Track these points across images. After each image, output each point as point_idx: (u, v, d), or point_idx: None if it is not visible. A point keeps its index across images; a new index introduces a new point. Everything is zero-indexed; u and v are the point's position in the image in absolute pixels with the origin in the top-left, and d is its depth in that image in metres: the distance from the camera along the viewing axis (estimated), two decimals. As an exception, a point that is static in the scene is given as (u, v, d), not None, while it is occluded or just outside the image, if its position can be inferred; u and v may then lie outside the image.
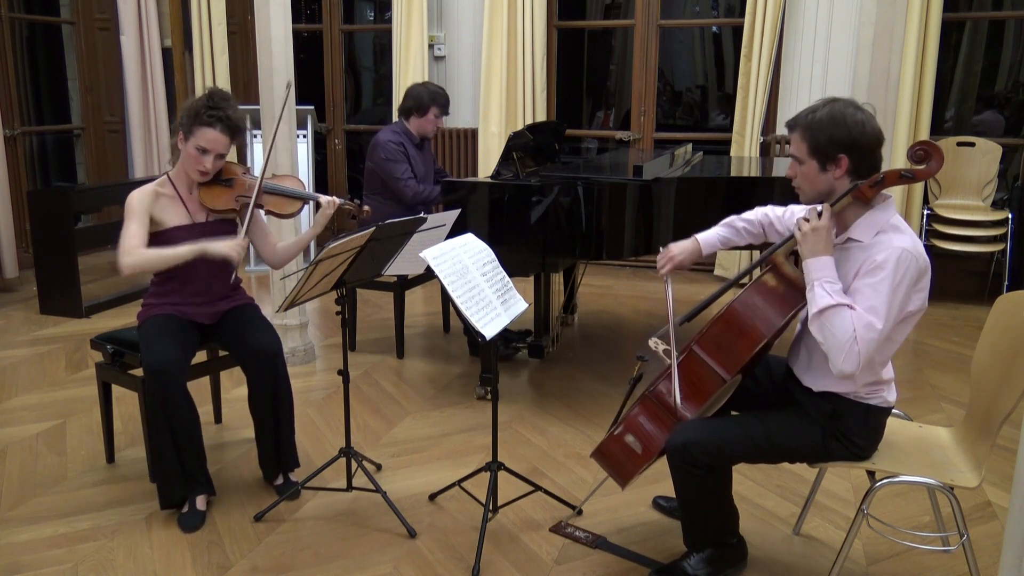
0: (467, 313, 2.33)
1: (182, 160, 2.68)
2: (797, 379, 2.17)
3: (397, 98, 6.00)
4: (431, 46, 6.25)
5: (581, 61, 8.97)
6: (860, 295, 1.92)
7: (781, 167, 4.15)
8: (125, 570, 2.38)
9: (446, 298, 4.55)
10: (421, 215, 2.61)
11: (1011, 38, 7.53)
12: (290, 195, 2.80)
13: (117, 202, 2.76)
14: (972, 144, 5.26)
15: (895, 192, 4.70)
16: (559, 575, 2.37)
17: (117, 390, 2.98)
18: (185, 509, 2.64)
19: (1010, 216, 5.04)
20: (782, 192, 3.45)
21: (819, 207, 2.02)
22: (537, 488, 2.72)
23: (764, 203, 2.43)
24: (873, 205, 2.00)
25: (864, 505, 2.08)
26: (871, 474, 2.14)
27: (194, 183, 2.72)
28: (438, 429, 3.36)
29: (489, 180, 3.51)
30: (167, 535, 2.56)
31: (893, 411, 2.17)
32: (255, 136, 5.87)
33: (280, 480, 2.83)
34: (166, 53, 6.39)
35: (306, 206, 2.85)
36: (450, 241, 2.49)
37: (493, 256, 2.58)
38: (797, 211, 2.30)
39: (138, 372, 2.69)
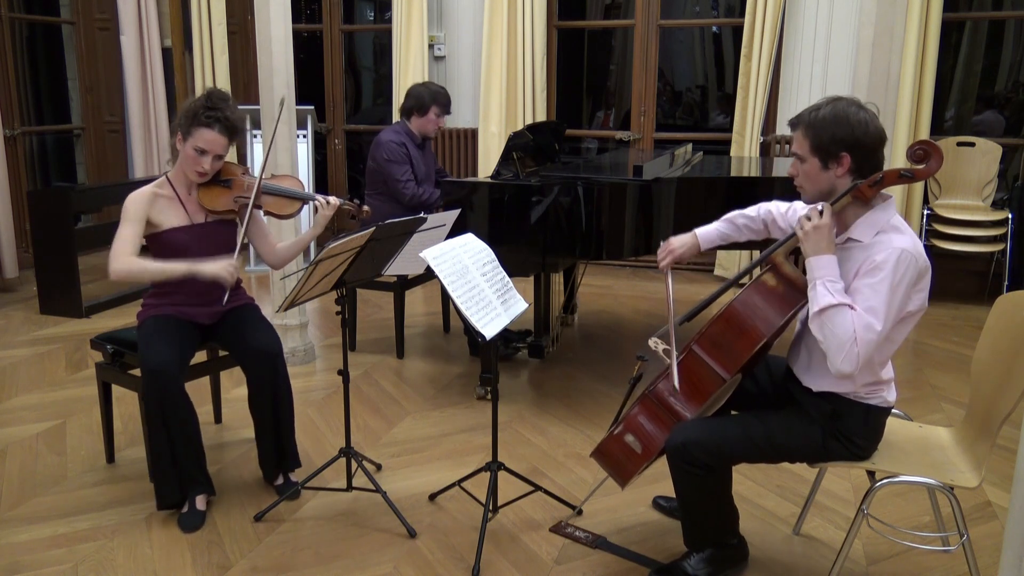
0: (467, 313, 2.33)
1: (181, 161, 2.67)
2: (797, 379, 2.16)
3: (397, 98, 6.00)
4: (431, 46, 6.25)
5: (581, 61, 8.97)
6: (859, 295, 1.92)
7: (781, 167, 4.15)
8: (125, 570, 2.38)
9: (446, 298, 4.55)
10: (421, 215, 2.61)
11: (1011, 38, 7.53)
12: (289, 196, 2.80)
13: (117, 202, 2.75)
14: (972, 144, 5.26)
15: (895, 192, 4.70)
16: (559, 575, 2.37)
17: (117, 390, 2.98)
18: (185, 509, 2.63)
19: (1010, 216, 5.04)
20: (782, 192, 3.45)
21: (820, 205, 2.02)
22: (537, 488, 2.72)
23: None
24: (873, 205, 2.00)
25: (864, 505, 2.08)
26: (871, 474, 2.14)
27: (193, 184, 2.71)
28: (438, 429, 3.36)
29: (489, 180, 3.51)
30: (167, 535, 2.56)
31: (893, 411, 2.17)
32: (255, 136, 5.87)
33: (280, 480, 2.83)
34: (166, 53, 6.39)
35: (306, 206, 2.85)
36: (450, 241, 2.49)
37: (493, 256, 2.58)
38: (800, 208, 2.29)
39: (138, 372, 2.68)
